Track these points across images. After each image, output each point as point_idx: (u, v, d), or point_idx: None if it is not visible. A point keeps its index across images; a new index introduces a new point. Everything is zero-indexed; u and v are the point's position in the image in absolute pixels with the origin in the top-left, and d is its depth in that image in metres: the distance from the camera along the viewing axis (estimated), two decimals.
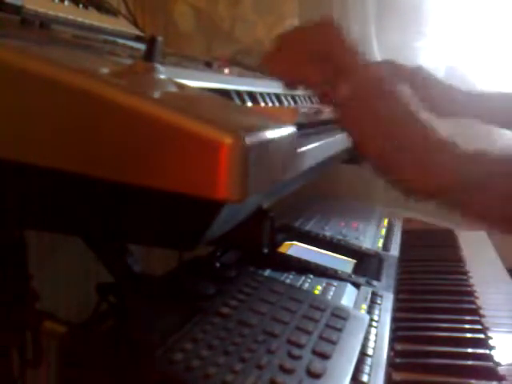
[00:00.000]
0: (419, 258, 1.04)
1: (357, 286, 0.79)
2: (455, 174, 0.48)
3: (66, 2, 0.82)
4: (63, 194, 0.38)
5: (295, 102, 0.79)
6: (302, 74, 0.48)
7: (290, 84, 0.52)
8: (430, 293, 0.85)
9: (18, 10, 0.62)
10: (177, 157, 0.31)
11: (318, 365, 0.50)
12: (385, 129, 0.46)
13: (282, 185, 0.46)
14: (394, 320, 0.74)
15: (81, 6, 0.86)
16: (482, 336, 0.72)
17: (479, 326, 0.74)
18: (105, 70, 0.35)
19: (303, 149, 0.48)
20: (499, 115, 0.90)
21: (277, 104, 0.69)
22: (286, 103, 0.72)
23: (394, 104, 0.48)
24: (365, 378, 0.56)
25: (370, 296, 0.77)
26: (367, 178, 1.45)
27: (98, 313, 0.56)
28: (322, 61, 0.48)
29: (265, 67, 0.51)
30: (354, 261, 0.90)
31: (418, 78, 0.89)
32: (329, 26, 0.49)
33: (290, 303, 0.61)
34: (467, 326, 0.74)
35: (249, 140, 0.31)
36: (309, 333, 0.55)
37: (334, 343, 0.55)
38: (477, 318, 0.77)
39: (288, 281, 0.73)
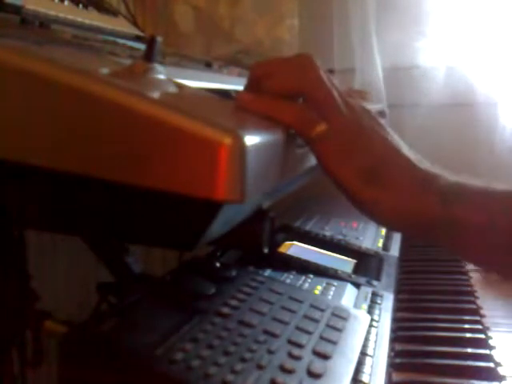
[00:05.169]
0: (419, 257, 1.04)
1: (357, 285, 0.79)
2: (444, 208, 0.44)
3: (66, 2, 0.82)
4: (63, 194, 0.38)
5: None
6: (274, 110, 0.43)
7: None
8: (430, 293, 0.85)
9: (18, 10, 0.62)
10: (176, 157, 0.31)
11: (318, 365, 0.50)
12: (364, 164, 0.45)
13: (282, 185, 0.46)
14: (394, 320, 0.74)
15: (81, 5, 0.86)
16: (482, 336, 0.72)
17: (479, 326, 0.74)
18: (104, 70, 0.35)
19: (303, 149, 0.48)
20: None
21: None
22: None
23: (376, 138, 0.46)
24: (365, 378, 0.56)
25: (370, 296, 0.76)
26: None
27: (98, 313, 0.56)
28: (295, 96, 0.45)
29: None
30: (354, 261, 0.90)
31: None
32: (304, 60, 0.45)
33: (290, 303, 0.61)
34: (467, 326, 0.74)
35: (248, 140, 0.31)
36: (309, 333, 0.55)
37: (334, 343, 0.55)
38: (477, 317, 0.77)
39: (288, 281, 0.73)
